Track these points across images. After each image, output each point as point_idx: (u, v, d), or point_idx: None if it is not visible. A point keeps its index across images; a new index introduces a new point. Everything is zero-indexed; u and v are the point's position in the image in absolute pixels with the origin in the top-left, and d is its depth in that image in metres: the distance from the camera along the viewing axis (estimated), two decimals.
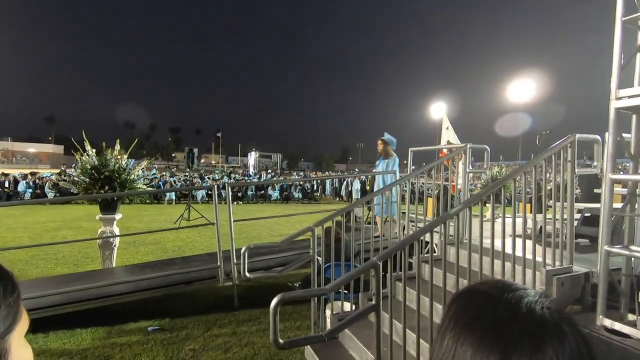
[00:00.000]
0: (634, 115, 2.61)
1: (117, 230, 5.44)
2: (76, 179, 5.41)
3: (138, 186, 5.39)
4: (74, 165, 6.32)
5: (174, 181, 21.66)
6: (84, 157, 5.19)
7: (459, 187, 4.82)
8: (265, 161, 52.09)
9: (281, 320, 4.23)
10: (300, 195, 21.09)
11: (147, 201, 17.04)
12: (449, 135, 8.54)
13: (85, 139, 5.27)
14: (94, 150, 5.25)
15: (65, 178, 16.01)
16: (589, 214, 4.36)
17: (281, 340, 1.86)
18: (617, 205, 3.00)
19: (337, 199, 22.72)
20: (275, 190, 20.25)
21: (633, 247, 2.54)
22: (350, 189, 21.38)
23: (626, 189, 3.07)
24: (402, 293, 2.85)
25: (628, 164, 2.76)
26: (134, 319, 4.13)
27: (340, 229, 3.93)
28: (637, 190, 2.61)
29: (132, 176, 5.26)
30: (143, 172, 5.71)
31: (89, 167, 5.16)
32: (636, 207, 2.61)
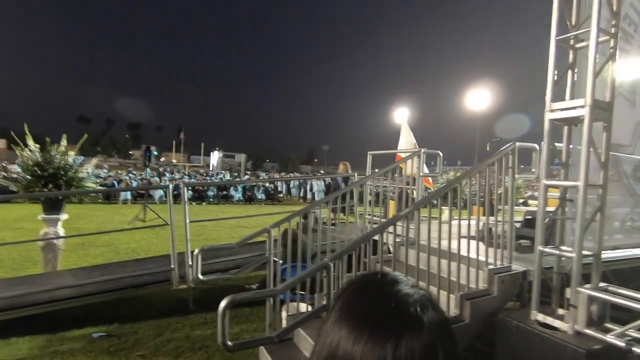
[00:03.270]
0: (565, 127, 2.86)
1: (61, 232, 5.11)
2: (16, 175, 5.02)
3: (87, 185, 5.10)
4: (16, 161, 5.86)
5: (129, 179, 20.66)
6: (25, 153, 4.83)
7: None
8: (229, 161, 50.89)
9: (238, 322, 4.18)
10: (264, 197, 20.89)
11: (99, 201, 16.12)
12: (408, 140, 8.80)
13: (27, 132, 4.90)
14: (38, 146, 4.90)
15: (6, 175, 14.79)
16: (530, 217, 4.69)
17: (230, 343, 1.85)
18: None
19: (301, 200, 22.74)
20: (237, 191, 19.91)
21: (563, 248, 2.77)
22: (312, 190, 21.48)
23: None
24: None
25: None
26: (78, 326, 3.90)
27: (300, 231, 3.94)
28: (567, 195, 2.85)
29: (81, 174, 4.96)
30: (93, 169, 5.40)
31: (31, 163, 4.80)
32: (566, 210, 2.84)
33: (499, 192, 3.15)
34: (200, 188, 18.75)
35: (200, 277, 2.89)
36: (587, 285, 2.52)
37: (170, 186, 4.42)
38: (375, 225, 4.78)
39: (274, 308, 3.43)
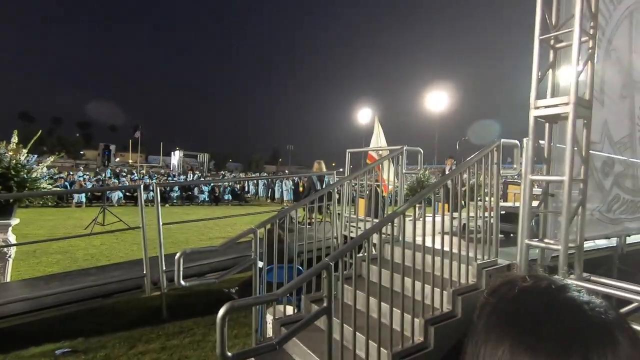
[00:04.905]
0: (547, 124, 2.96)
1: (12, 238, 4.60)
2: None
3: (42, 186, 4.62)
4: None
5: (84, 180, 19.27)
6: None
7: (390, 187, 5.06)
8: (190, 161, 49.09)
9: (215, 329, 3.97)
10: (230, 197, 20.35)
11: (50, 204, 14.86)
12: (379, 140, 8.89)
13: None
14: None
15: None
16: (503, 212, 4.87)
17: (229, 354, 1.70)
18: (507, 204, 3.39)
19: (269, 200, 22.41)
20: (203, 192, 19.23)
21: (546, 240, 2.87)
22: (281, 190, 21.25)
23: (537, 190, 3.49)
24: (348, 294, 2.84)
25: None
26: (37, 342, 3.51)
27: (281, 231, 3.81)
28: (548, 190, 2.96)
29: (35, 174, 4.48)
30: (48, 169, 4.91)
31: None
32: (549, 205, 2.95)
33: (483, 187, 3.22)
34: (163, 189, 17.88)
35: (183, 283, 2.68)
36: (573, 276, 2.63)
37: (142, 186, 4.10)
38: (353, 224, 4.76)
39: (260, 312, 3.29)
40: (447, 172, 7.49)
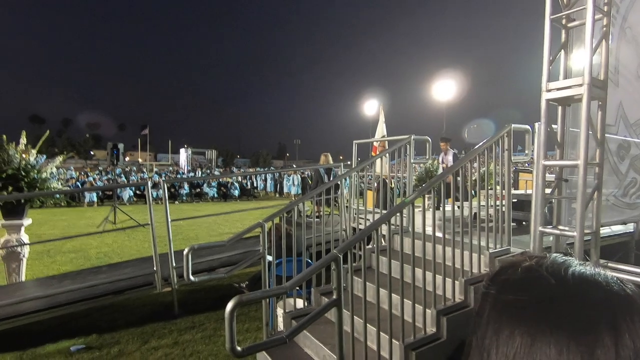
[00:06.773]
0: (559, 107, 2.87)
1: (25, 238, 4.67)
2: None
3: (52, 186, 4.66)
4: None
5: (94, 180, 19.54)
6: None
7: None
8: (199, 158, 49.47)
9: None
10: (238, 193, 20.44)
11: (62, 204, 15.11)
12: (383, 129, 8.78)
13: None
14: None
15: None
16: (515, 200, 4.78)
17: (239, 348, 1.68)
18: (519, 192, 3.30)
19: (277, 195, 22.46)
20: (211, 187, 19.35)
21: (561, 227, 2.79)
22: (289, 184, 21.27)
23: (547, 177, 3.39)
24: (358, 285, 2.81)
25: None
26: (52, 339, 3.57)
27: (289, 225, 3.79)
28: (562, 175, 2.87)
29: (44, 174, 4.52)
30: (58, 169, 4.96)
31: None
32: (563, 191, 2.86)
33: (494, 175, 3.14)
34: (172, 187, 18.02)
35: (192, 278, 2.68)
36: (589, 263, 2.55)
37: (149, 183, 4.10)
38: (362, 216, 4.72)
39: (270, 305, 3.28)
40: (442, 158, 7.38)
